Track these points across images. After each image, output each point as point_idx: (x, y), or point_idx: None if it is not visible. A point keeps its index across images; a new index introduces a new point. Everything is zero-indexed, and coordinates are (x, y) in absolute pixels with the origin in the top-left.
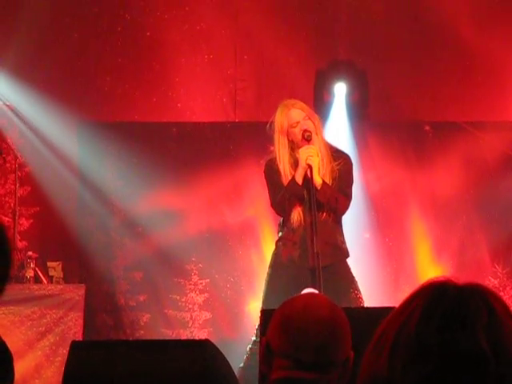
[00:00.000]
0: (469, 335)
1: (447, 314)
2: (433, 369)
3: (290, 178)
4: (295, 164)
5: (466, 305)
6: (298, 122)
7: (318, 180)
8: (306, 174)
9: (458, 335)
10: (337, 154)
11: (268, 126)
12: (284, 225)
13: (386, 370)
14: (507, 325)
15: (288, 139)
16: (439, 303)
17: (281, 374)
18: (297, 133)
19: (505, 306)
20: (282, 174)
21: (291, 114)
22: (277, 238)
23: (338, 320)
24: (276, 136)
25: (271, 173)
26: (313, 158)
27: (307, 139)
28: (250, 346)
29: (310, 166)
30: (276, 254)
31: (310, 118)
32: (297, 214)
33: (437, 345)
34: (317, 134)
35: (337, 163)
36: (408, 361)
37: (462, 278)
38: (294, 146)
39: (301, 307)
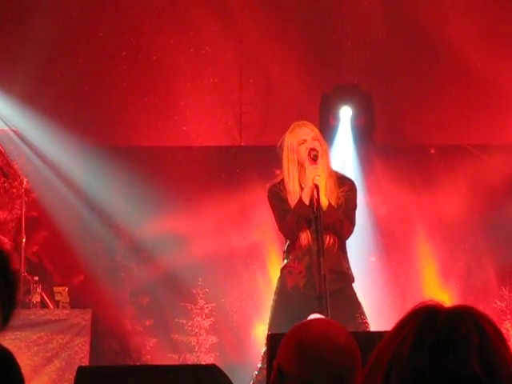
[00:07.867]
0: (461, 359)
1: (439, 338)
2: None
3: (298, 195)
4: (303, 183)
5: (458, 329)
6: (305, 140)
7: (324, 201)
8: (312, 195)
9: (451, 359)
10: (341, 181)
11: (278, 145)
12: (289, 252)
13: None
14: (498, 346)
15: (297, 157)
16: (431, 328)
17: None
18: (302, 151)
19: (496, 328)
20: (292, 191)
21: (300, 132)
22: (282, 265)
23: (354, 348)
24: (285, 154)
25: (275, 198)
26: (320, 178)
27: (313, 158)
28: (256, 372)
29: (316, 186)
30: (281, 282)
31: (318, 140)
32: (305, 237)
33: (430, 370)
34: (322, 157)
35: (341, 189)
36: None
37: (469, 302)
38: (299, 167)
39: (320, 334)
